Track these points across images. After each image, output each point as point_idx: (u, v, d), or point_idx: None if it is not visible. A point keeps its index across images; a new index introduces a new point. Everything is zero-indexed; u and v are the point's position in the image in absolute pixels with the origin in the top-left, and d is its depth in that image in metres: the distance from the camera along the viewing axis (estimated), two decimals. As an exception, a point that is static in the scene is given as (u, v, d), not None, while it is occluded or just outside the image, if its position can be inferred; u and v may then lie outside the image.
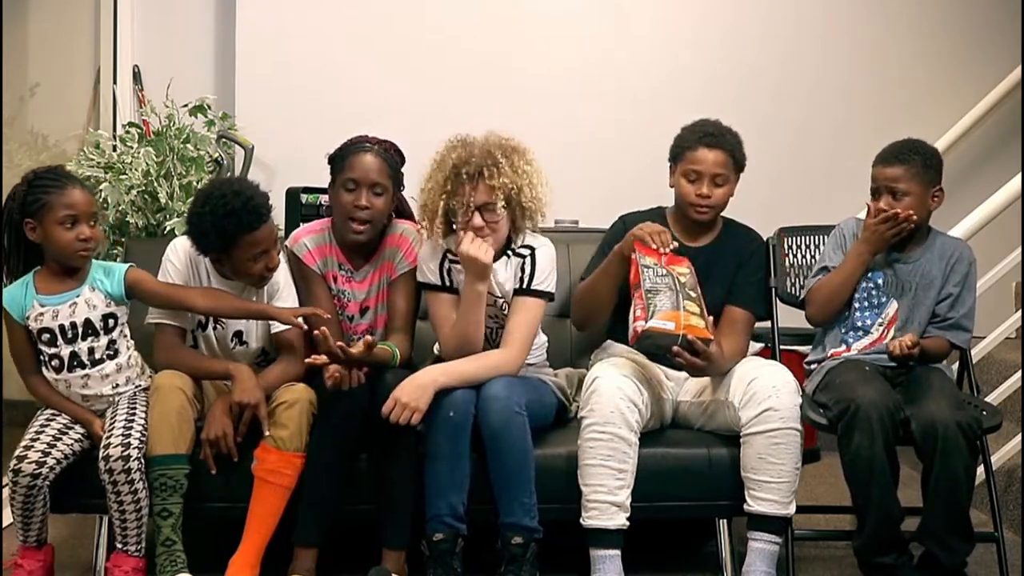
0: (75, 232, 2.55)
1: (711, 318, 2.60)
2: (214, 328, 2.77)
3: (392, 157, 2.79)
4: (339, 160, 2.77)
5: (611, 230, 2.94)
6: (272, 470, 2.56)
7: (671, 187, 2.91)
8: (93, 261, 2.66)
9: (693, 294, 2.59)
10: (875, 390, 2.56)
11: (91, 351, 2.60)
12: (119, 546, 2.56)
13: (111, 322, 2.63)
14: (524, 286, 2.73)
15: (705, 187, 2.81)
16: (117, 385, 2.64)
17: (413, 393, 2.53)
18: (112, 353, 2.63)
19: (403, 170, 2.83)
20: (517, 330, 2.70)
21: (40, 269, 2.62)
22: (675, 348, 2.52)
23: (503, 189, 2.64)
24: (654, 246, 2.63)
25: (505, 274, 2.77)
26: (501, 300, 2.78)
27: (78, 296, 2.60)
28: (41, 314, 2.58)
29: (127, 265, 2.69)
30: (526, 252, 2.77)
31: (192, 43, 4.48)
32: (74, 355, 2.59)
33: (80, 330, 2.59)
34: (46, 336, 2.59)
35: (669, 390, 2.82)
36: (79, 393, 2.62)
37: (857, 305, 2.81)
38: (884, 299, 2.79)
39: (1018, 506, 3.14)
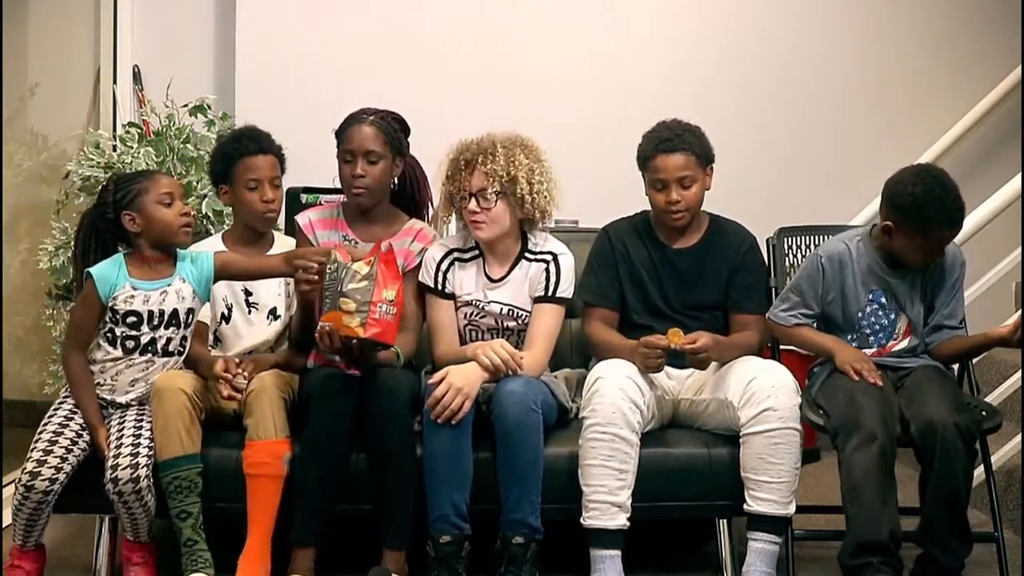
0: (175, 209, 2.62)
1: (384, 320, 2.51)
2: (249, 312, 2.84)
3: (389, 125, 2.83)
4: (338, 135, 2.84)
5: (596, 243, 2.95)
6: (256, 462, 2.57)
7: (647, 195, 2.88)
8: (178, 251, 2.69)
9: (362, 284, 2.49)
10: (874, 400, 2.55)
11: (168, 341, 2.63)
12: (130, 537, 2.60)
13: (190, 317, 2.67)
14: (549, 293, 2.78)
15: (673, 193, 2.78)
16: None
17: (465, 378, 2.56)
18: (181, 350, 2.67)
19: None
20: (541, 334, 2.76)
21: (129, 253, 2.65)
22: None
23: (494, 176, 2.71)
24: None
25: (523, 281, 2.80)
26: (507, 308, 2.81)
27: (169, 285, 2.64)
28: (132, 296, 2.60)
29: (213, 251, 2.73)
30: (548, 258, 2.80)
31: (192, 43, 4.48)
32: (152, 341, 2.62)
33: (166, 319, 2.62)
34: (132, 319, 2.60)
35: (669, 389, 2.82)
36: (126, 377, 2.62)
37: (869, 331, 2.77)
38: (892, 315, 2.77)
39: (1018, 506, 3.13)
